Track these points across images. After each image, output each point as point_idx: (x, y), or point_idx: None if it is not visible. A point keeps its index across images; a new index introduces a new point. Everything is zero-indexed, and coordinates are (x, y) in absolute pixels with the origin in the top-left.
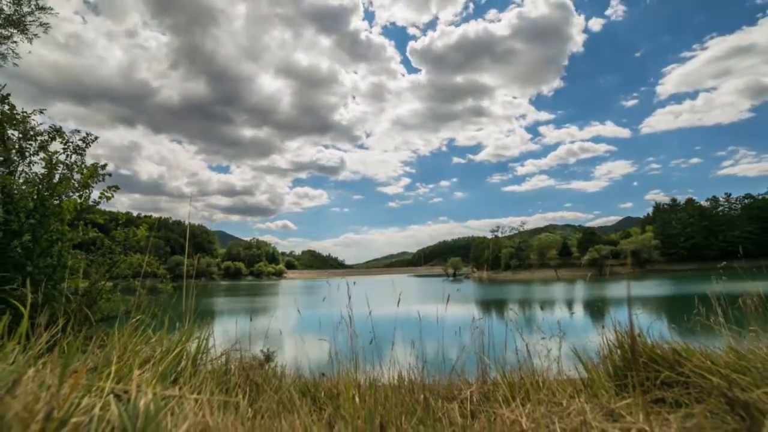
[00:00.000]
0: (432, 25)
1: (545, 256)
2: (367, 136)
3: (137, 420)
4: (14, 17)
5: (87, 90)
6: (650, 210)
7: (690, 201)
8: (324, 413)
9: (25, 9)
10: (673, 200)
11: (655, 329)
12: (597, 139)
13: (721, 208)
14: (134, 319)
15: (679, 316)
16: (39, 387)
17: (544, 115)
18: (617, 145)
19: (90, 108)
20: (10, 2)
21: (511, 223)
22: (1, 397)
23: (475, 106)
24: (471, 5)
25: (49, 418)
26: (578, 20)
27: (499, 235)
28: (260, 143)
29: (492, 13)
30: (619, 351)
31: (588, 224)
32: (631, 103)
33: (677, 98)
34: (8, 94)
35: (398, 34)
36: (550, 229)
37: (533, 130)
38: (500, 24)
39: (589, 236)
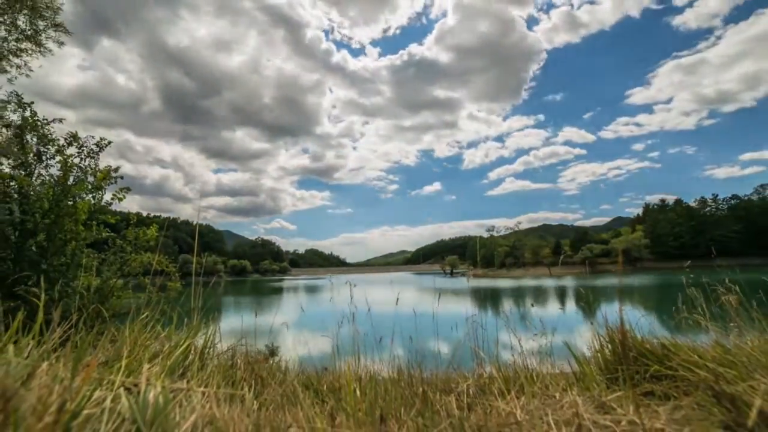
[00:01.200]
0: (363, 50)
1: (539, 254)
2: (354, 148)
3: (147, 412)
4: (28, 32)
5: (68, 94)
6: (633, 210)
7: (678, 202)
8: (326, 406)
9: (41, 26)
10: (662, 201)
11: (644, 324)
12: (567, 143)
13: (708, 208)
14: (144, 315)
15: (665, 312)
16: (52, 380)
17: (511, 124)
18: (585, 149)
19: (75, 112)
20: (26, 19)
21: (497, 223)
22: (16, 390)
23: (446, 119)
24: (397, 32)
25: (62, 410)
26: (537, 42)
27: (495, 234)
28: (254, 146)
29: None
30: (609, 346)
31: (577, 224)
32: (591, 114)
33: (636, 110)
34: (31, 102)
35: (355, 53)
36: (544, 229)
37: (501, 138)
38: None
39: (582, 235)
